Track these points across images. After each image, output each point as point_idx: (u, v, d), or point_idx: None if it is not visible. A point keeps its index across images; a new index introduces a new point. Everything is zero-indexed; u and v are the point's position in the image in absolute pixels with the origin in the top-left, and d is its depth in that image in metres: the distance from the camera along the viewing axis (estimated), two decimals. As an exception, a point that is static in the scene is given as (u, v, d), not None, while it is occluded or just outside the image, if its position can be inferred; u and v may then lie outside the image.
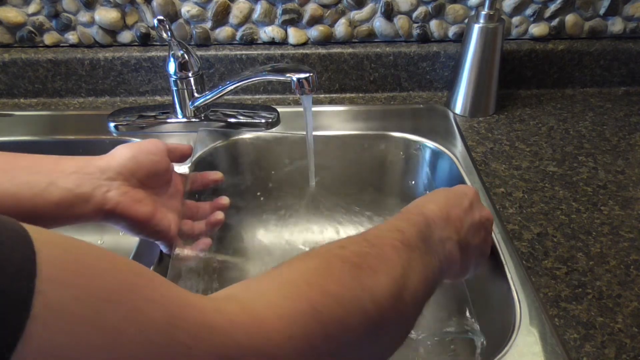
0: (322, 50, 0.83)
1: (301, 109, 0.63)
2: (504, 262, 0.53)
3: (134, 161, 0.48)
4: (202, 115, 0.74)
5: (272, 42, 0.84)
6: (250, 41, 0.84)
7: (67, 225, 0.45)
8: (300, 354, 0.28)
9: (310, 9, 0.81)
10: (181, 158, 0.55)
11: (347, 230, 0.73)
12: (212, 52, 0.82)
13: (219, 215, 0.57)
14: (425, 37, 0.84)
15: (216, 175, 0.59)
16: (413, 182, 0.76)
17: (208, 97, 0.70)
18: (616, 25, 0.84)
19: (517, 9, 0.83)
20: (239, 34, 0.83)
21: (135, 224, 0.48)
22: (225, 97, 0.70)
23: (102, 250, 0.25)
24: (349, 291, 0.31)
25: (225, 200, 0.59)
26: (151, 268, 0.55)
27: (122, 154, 0.48)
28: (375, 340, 0.32)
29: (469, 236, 0.44)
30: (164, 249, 0.54)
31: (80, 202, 0.44)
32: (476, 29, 0.75)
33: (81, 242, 0.24)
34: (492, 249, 0.52)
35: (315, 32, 0.83)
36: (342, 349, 0.30)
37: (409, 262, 0.35)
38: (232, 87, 0.67)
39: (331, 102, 0.85)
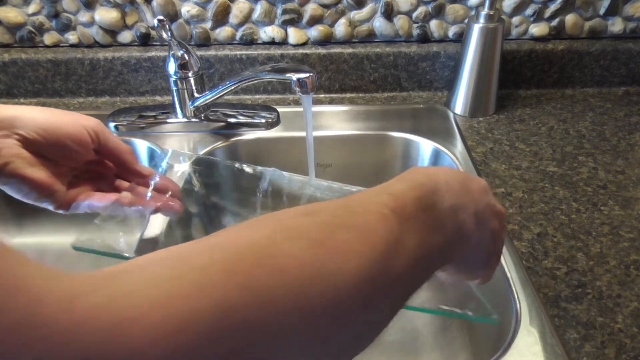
0: (322, 50, 0.83)
1: (301, 109, 0.63)
2: (504, 262, 0.53)
3: (43, 136, 0.42)
4: (202, 115, 0.74)
5: (272, 42, 0.84)
6: (250, 41, 0.84)
7: None
8: None
9: (310, 9, 0.81)
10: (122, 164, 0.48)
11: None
12: (212, 52, 0.82)
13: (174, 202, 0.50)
14: (425, 37, 0.84)
15: (175, 186, 0.52)
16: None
17: (208, 97, 0.70)
18: (616, 25, 0.84)
19: (517, 9, 0.83)
20: (239, 34, 0.83)
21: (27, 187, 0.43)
22: (225, 97, 0.70)
23: None
24: (288, 283, 0.22)
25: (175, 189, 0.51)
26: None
27: (34, 121, 0.42)
28: (321, 345, 0.24)
29: (487, 214, 0.35)
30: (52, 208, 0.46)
31: None
32: (476, 29, 0.75)
33: None
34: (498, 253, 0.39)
35: (315, 32, 0.83)
36: None
37: (399, 236, 0.27)
38: (232, 87, 0.67)
39: (331, 102, 0.85)
